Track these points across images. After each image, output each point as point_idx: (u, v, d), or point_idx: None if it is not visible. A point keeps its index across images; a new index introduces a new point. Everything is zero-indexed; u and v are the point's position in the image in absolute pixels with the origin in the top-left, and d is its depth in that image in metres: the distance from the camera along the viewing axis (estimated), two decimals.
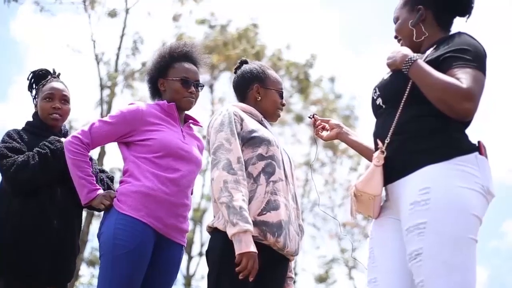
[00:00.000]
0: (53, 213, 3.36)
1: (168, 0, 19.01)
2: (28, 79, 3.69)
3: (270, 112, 3.15)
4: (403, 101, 2.45)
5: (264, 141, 2.94)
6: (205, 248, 2.95)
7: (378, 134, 2.57)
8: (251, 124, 2.98)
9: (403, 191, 2.41)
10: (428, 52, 2.52)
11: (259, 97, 3.14)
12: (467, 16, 2.64)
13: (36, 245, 3.30)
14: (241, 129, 2.94)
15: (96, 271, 16.54)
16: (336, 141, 18.17)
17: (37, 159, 3.32)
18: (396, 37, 2.71)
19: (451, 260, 2.25)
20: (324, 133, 3.06)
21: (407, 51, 2.49)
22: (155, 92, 3.49)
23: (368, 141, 2.87)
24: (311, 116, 3.13)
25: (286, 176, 2.98)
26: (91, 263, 16.20)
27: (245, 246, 2.67)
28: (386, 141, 2.46)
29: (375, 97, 2.64)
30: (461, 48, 2.43)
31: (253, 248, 2.69)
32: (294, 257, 3.01)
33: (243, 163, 2.85)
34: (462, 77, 2.34)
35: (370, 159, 2.72)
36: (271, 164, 2.92)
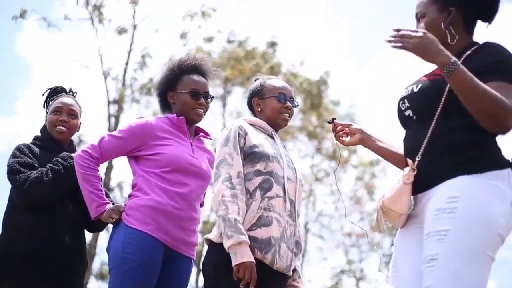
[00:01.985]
0: (64, 228, 3.37)
1: (176, 16, 19.10)
2: (43, 95, 3.71)
3: (273, 118, 3.18)
4: (437, 115, 2.40)
5: (263, 157, 2.97)
6: None
7: (409, 145, 2.53)
8: (255, 138, 3.02)
9: (430, 198, 2.39)
10: (461, 61, 2.41)
11: (260, 109, 3.21)
12: (490, 21, 2.59)
13: (48, 260, 3.30)
14: (244, 144, 2.99)
15: (104, 285, 16.53)
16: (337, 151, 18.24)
17: (50, 175, 3.33)
18: None
19: (462, 272, 2.23)
20: (345, 139, 2.92)
21: (444, 50, 2.34)
22: (165, 106, 3.50)
23: (394, 145, 2.78)
24: (330, 121, 3.01)
25: (285, 192, 2.98)
26: (100, 277, 16.19)
27: (240, 257, 2.76)
28: (417, 158, 2.41)
29: (403, 108, 2.57)
30: (497, 61, 2.39)
31: (248, 258, 2.77)
32: (288, 273, 3.01)
33: (243, 178, 2.91)
34: (503, 93, 2.30)
35: (397, 165, 2.69)
36: (268, 180, 2.95)
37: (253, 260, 2.77)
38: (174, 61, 3.49)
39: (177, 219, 3.21)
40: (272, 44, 17.73)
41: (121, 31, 15.14)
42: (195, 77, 3.43)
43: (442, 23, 2.53)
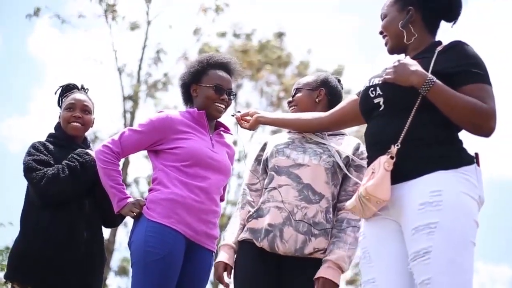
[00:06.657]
0: (82, 225, 3.38)
1: (190, 11, 19.10)
2: (55, 93, 3.71)
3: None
4: (415, 108, 2.47)
5: (272, 156, 3.16)
6: None
7: (379, 136, 2.58)
8: (271, 145, 3.23)
9: (408, 192, 2.45)
10: (435, 59, 2.51)
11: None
12: (454, 22, 2.67)
13: (67, 257, 3.32)
14: (265, 156, 3.25)
15: (124, 280, 16.64)
16: None
17: (67, 172, 3.34)
18: (381, 33, 2.72)
19: (458, 260, 2.34)
20: (246, 124, 3.27)
21: (420, 68, 2.46)
22: (188, 98, 3.51)
23: (293, 115, 3.15)
24: (233, 115, 3.33)
25: (295, 179, 3.04)
26: (120, 272, 16.28)
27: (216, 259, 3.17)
28: (396, 146, 2.47)
29: (372, 95, 2.63)
30: (472, 63, 2.48)
31: (218, 259, 3.14)
32: (302, 255, 2.98)
33: (249, 188, 3.25)
34: (483, 96, 2.43)
35: (300, 129, 3.09)
36: (270, 175, 3.14)
37: (222, 260, 3.10)
38: (202, 56, 3.52)
39: (198, 211, 3.23)
40: (280, 35, 17.59)
41: (134, 27, 15.16)
42: (221, 73, 3.44)
43: (400, 22, 2.63)
